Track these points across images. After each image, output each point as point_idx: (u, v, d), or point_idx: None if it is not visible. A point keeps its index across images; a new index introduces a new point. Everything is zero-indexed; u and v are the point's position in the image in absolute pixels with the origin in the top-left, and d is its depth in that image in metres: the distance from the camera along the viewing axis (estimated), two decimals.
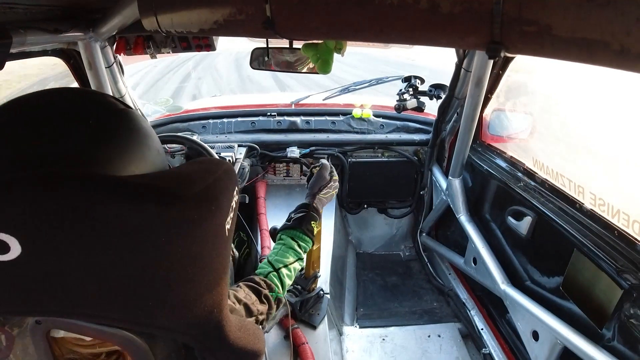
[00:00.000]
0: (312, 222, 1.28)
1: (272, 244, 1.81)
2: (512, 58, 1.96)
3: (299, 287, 1.86)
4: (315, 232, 1.29)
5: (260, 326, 0.97)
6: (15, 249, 0.44)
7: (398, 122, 3.01)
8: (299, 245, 1.23)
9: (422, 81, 2.67)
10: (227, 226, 0.58)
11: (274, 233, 1.74)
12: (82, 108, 0.57)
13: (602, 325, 1.41)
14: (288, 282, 1.15)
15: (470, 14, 0.54)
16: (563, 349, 1.54)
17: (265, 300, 1.01)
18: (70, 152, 0.52)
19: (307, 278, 1.85)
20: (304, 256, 1.26)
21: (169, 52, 2.09)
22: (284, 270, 1.14)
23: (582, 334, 1.46)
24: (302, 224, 1.26)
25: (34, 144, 0.51)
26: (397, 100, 2.64)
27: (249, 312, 0.92)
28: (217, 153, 2.34)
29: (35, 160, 0.50)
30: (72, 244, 0.45)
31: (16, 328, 0.56)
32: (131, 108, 0.63)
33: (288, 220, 1.30)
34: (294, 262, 1.19)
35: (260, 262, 2.01)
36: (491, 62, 1.94)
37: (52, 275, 0.46)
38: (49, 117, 0.54)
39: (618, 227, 1.41)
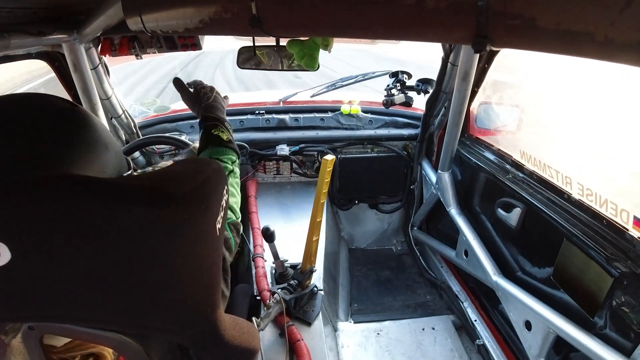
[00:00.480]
0: (213, 131, 1.19)
1: (264, 243, 1.81)
2: (498, 51, 1.97)
3: (294, 282, 1.86)
4: (226, 138, 1.20)
5: (255, 318, 0.95)
6: (5, 255, 0.44)
7: (386, 118, 3.01)
8: (218, 159, 1.14)
9: (410, 76, 2.68)
10: (218, 225, 0.58)
11: (266, 232, 1.74)
12: (35, 111, 0.57)
13: (594, 314, 1.43)
14: (232, 200, 1.07)
15: (455, 9, 0.54)
16: (556, 338, 1.56)
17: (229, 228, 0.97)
18: (33, 156, 0.52)
19: (303, 272, 1.85)
20: (233, 166, 1.17)
21: (154, 53, 2.07)
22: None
23: (574, 323, 1.48)
24: (209, 141, 1.17)
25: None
26: (385, 96, 2.64)
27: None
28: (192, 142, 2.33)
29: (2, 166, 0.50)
30: (62, 247, 0.45)
31: (10, 334, 0.56)
32: (77, 106, 0.62)
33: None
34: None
35: (253, 260, 2.01)
36: (477, 56, 1.95)
37: (43, 280, 0.46)
38: (8, 123, 0.53)
39: (606, 216, 1.43)
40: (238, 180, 1.18)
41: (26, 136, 0.52)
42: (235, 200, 1.09)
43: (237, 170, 1.18)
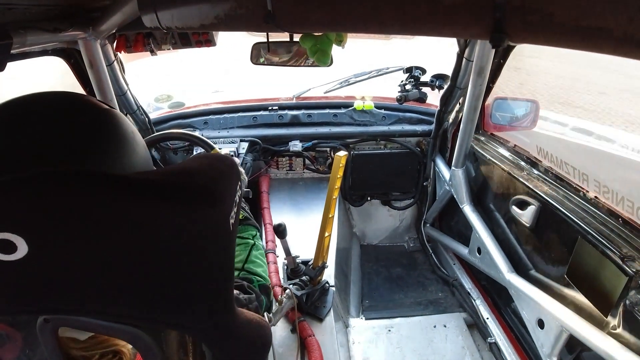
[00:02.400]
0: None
1: (276, 239, 1.82)
2: (514, 47, 1.94)
3: (305, 278, 1.87)
4: (242, 217, 1.28)
5: (267, 313, 0.99)
6: (22, 249, 0.44)
7: (400, 114, 2.99)
8: (241, 237, 1.22)
9: (424, 72, 2.66)
10: (231, 220, 0.59)
11: (278, 229, 1.75)
12: (70, 109, 0.57)
13: (608, 313, 1.41)
14: (258, 269, 1.16)
15: (473, 4, 0.54)
16: (569, 337, 1.55)
17: (250, 291, 1.03)
18: (63, 152, 0.52)
19: (314, 268, 1.85)
20: (255, 240, 1.25)
21: (169, 49, 2.09)
22: (247, 265, 1.16)
23: (587, 322, 1.47)
24: None
25: (27, 144, 0.51)
26: (398, 92, 2.63)
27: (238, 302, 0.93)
28: (219, 148, 2.35)
29: (29, 160, 0.50)
30: (77, 241, 0.46)
31: (25, 327, 0.57)
32: (114, 108, 0.63)
33: None
34: (248, 251, 1.19)
35: (265, 256, 2.02)
36: (493, 51, 1.93)
37: (59, 273, 0.47)
38: (39, 118, 0.54)
39: (622, 214, 1.41)
40: (262, 251, 1.25)
41: (53, 131, 0.53)
42: (263, 269, 1.16)
43: (258, 243, 1.25)
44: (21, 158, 0.51)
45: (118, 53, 2.13)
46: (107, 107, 0.62)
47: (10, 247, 0.44)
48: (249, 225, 1.27)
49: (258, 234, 1.28)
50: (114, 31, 1.79)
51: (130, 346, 0.60)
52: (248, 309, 0.96)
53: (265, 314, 1.47)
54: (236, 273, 1.14)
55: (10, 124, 0.53)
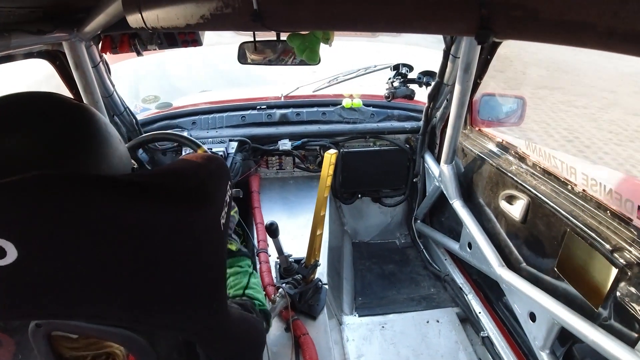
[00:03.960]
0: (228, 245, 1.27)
1: (268, 238, 1.82)
2: (500, 43, 1.96)
3: (298, 277, 1.87)
4: (236, 249, 1.29)
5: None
6: (12, 254, 0.44)
7: (388, 111, 3.01)
8: (239, 266, 1.24)
9: (411, 69, 2.67)
10: (222, 221, 0.59)
11: (270, 228, 1.74)
12: (45, 109, 0.57)
13: (598, 305, 1.43)
14: (258, 295, 1.17)
15: (458, 1, 0.54)
16: (560, 329, 1.56)
17: (252, 310, 1.04)
18: (44, 154, 0.52)
19: (307, 267, 1.85)
20: (250, 269, 1.27)
21: (155, 49, 2.07)
22: (248, 292, 1.16)
23: (578, 314, 1.48)
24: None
25: (7, 149, 0.51)
26: (386, 89, 2.64)
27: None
28: (208, 148, 2.33)
29: (10, 165, 0.50)
30: (68, 245, 0.45)
31: (17, 332, 0.56)
32: (82, 103, 0.63)
33: None
34: (247, 278, 1.20)
35: (257, 256, 2.02)
36: (479, 47, 1.94)
37: (50, 277, 0.46)
38: (16, 121, 0.53)
39: (610, 206, 1.43)
40: (259, 280, 1.25)
41: (35, 134, 0.53)
42: (262, 296, 1.16)
43: (255, 272, 1.24)
44: (1, 163, 0.50)
45: (103, 54, 2.11)
46: (80, 103, 0.61)
47: (0, 253, 0.44)
48: (242, 256, 1.28)
49: (252, 263, 1.29)
50: (99, 32, 1.77)
51: (122, 348, 0.59)
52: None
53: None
54: (237, 299, 1.15)
55: None
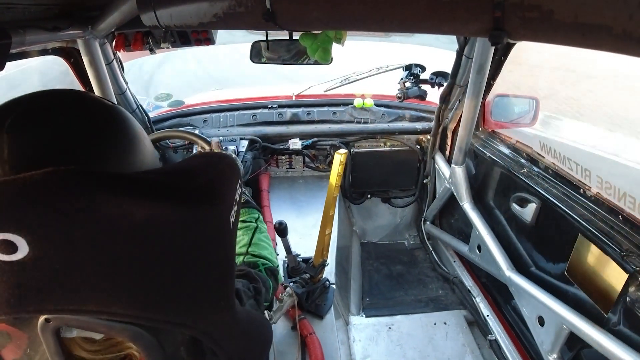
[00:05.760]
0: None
1: (277, 237, 1.83)
2: (514, 44, 1.94)
3: (306, 276, 1.87)
4: (244, 200, 1.27)
5: (267, 311, 0.98)
6: (23, 249, 0.44)
7: (400, 111, 3.00)
8: (242, 221, 1.22)
9: (424, 69, 2.66)
10: (232, 219, 0.59)
11: (279, 227, 1.75)
12: (79, 106, 0.57)
13: (608, 310, 1.41)
14: (263, 251, 1.15)
15: (472, 1, 0.54)
16: (569, 334, 1.55)
17: (256, 277, 1.03)
18: (71, 151, 0.52)
19: (315, 266, 1.86)
20: (258, 223, 1.25)
21: (168, 48, 2.09)
22: (252, 249, 1.15)
23: (587, 319, 1.46)
24: None
25: (34, 143, 0.51)
26: (398, 89, 2.63)
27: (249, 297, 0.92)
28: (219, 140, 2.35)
29: (36, 159, 0.50)
30: (79, 241, 0.46)
31: (27, 326, 0.57)
32: (115, 104, 0.63)
33: None
34: (252, 234, 1.19)
35: None
36: (493, 48, 1.92)
37: (60, 273, 0.47)
38: (45, 117, 0.54)
39: (623, 210, 1.41)
40: (266, 234, 1.24)
41: (60, 131, 0.53)
42: (269, 252, 1.16)
43: (261, 226, 1.24)
44: (32, 158, 0.51)
45: (117, 52, 2.13)
46: (113, 104, 0.62)
47: (11, 247, 0.44)
48: (250, 207, 1.26)
49: (260, 216, 1.27)
50: (113, 30, 1.79)
51: (139, 350, 0.60)
52: (256, 301, 0.96)
53: (266, 312, 1.48)
54: (241, 258, 1.13)
55: (19, 123, 0.53)
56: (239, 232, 1.18)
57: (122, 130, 0.59)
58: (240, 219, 1.20)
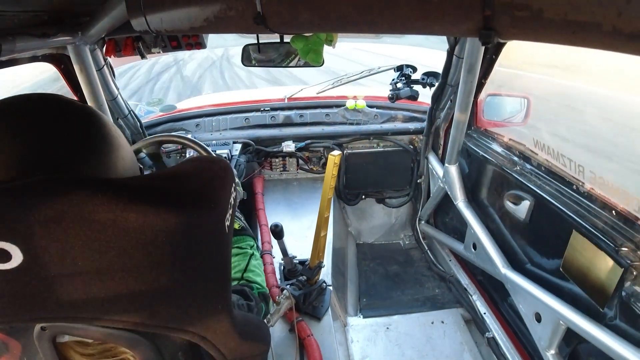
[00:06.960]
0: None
1: (273, 240, 1.82)
2: (505, 43, 1.95)
3: (302, 278, 1.87)
4: (239, 227, 1.30)
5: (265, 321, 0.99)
6: (17, 257, 0.44)
7: (392, 112, 3.00)
8: (239, 247, 1.24)
9: (415, 70, 2.67)
10: (227, 223, 0.59)
11: (275, 230, 1.74)
12: (55, 112, 0.56)
13: (604, 305, 1.42)
14: (257, 278, 1.17)
15: (461, 1, 0.54)
16: (566, 330, 1.56)
17: (250, 296, 1.05)
18: (54, 157, 0.52)
19: (311, 268, 1.85)
20: (253, 250, 1.27)
21: (159, 52, 2.08)
22: (247, 274, 1.16)
23: (584, 314, 1.47)
24: None
25: (15, 151, 0.51)
26: (390, 90, 2.63)
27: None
28: (212, 151, 2.34)
29: (18, 166, 0.50)
30: (73, 248, 0.45)
31: (23, 335, 0.56)
32: (87, 105, 0.62)
33: None
34: (247, 260, 1.20)
35: (262, 257, 2.02)
36: (483, 48, 1.93)
37: (55, 281, 0.46)
38: (25, 123, 0.53)
39: (617, 206, 1.42)
40: (260, 261, 1.27)
41: (42, 136, 0.52)
42: (262, 279, 1.18)
43: (256, 253, 1.26)
44: (9, 165, 0.50)
45: (108, 58, 2.12)
46: (86, 106, 0.61)
47: (5, 256, 0.44)
48: (246, 235, 1.28)
49: (255, 244, 1.28)
50: (103, 36, 1.78)
51: (134, 355, 0.59)
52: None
53: None
54: (235, 282, 1.15)
55: None
56: (235, 258, 1.21)
57: (100, 135, 0.58)
58: (236, 245, 1.23)
